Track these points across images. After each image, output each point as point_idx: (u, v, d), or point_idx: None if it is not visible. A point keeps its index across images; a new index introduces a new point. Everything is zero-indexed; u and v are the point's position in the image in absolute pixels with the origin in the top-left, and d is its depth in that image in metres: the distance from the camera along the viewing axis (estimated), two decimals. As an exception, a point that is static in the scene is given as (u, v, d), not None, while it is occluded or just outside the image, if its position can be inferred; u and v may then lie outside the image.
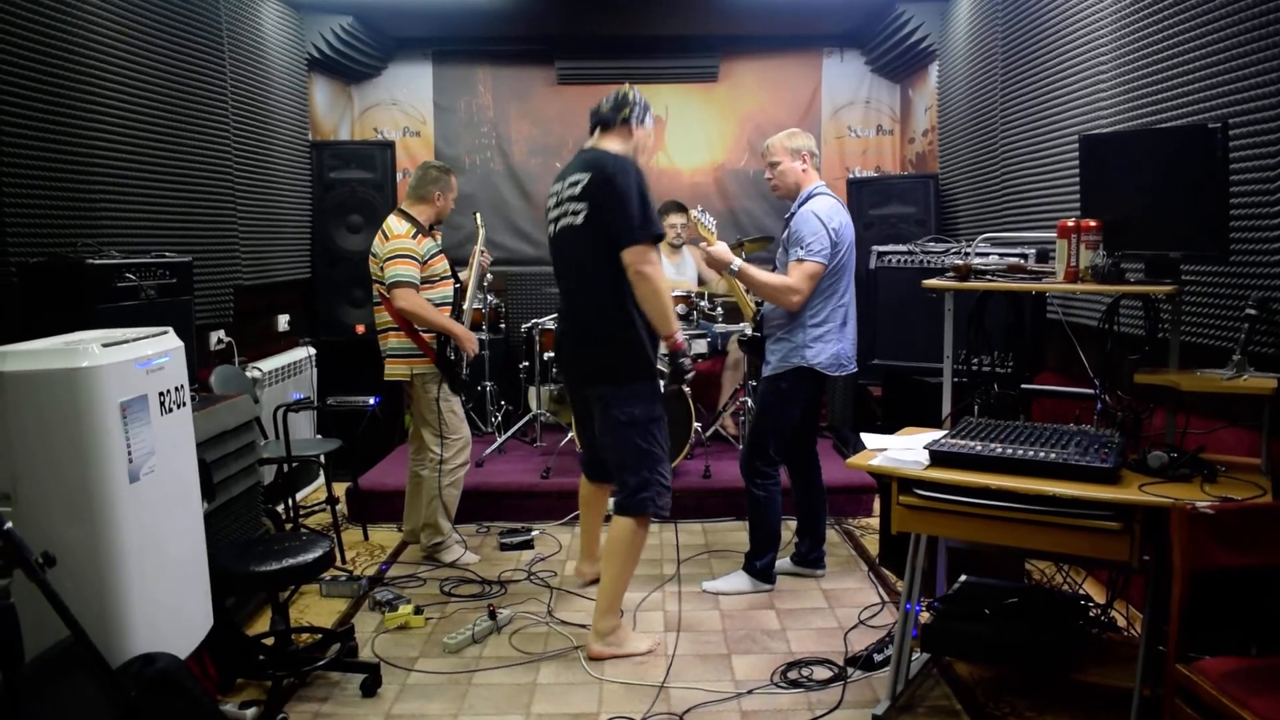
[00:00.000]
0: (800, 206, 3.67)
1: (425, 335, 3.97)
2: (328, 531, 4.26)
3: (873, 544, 4.31)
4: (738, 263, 3.67)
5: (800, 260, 3.55)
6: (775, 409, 3.73)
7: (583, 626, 3.45)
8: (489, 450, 5.29)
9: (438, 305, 3.99)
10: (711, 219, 3.84)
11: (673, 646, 3.33)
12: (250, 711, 2.84)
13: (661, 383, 3.30)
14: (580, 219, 3.13)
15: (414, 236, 3.97)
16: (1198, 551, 2.14)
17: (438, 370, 4.01)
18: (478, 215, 4.58)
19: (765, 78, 6.79)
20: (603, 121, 3.28)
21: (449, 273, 4.12)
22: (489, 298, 5.80)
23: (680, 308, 5.19)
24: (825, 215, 3.58)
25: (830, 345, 3.64)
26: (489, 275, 4.77)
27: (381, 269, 3.94)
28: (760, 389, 3.86)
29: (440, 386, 4.03)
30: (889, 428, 3.13)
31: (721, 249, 3.69)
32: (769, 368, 3.76)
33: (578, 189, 3.14)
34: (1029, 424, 2.83)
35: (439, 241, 4.17)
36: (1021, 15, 4.49)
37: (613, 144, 3.24)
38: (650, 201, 3.11)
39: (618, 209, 3.04)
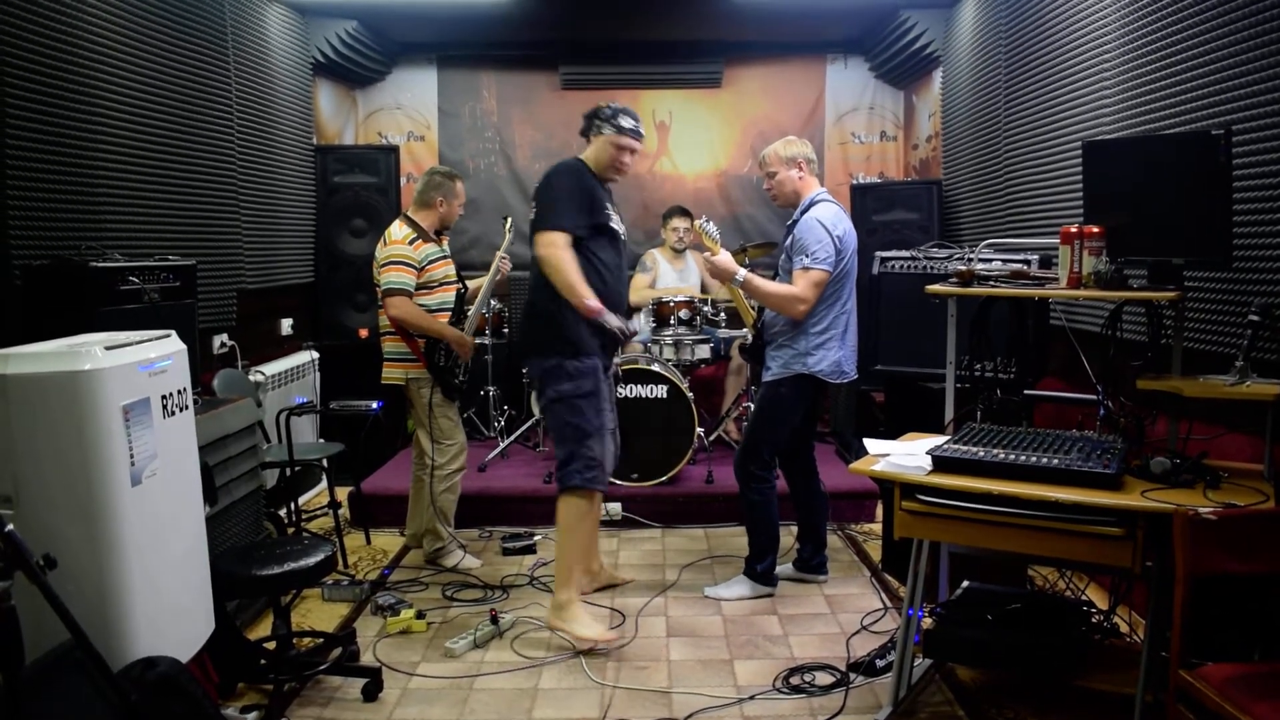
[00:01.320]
0: (803, 214, 3.65)
1: (419, 340, 3.98)
2: (330, 536, 4.26)
3: (875, 549, 4.30)
4: (743, 273, 3.66)
5: (806, 269, 3.55)
6: (773, 414, 3.73)
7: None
8: (491, 455, 5.30)
9: (435, 311, 4.00)
10: (716, 229, 3.82)
11: (674, 652, 3.32)
12: (251, 716, 2.84)
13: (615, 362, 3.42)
14: (533, 214, 3.47)
15: (411, 243, 3.97)
16: (1200, 558, 2.14)
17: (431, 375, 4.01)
18: (508, 220, 4.50)
19: (769, 83, 6.79)
20: (583, 134, 3.59)
21: (452, 278, 4.12)
22: (493, 303, 5.80)
23: (684, 313, 5.20)
24: (829, 222, 3.58)
25: (832, 352, 3.64)
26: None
27: (377, 274, 3.95)
28: (759, 394, 3.85)
29: (434, 391, 4.03)
30: (891, 433, 3.12)
31: (726, 259, 3.68)
32: (769, 374, 3.75)
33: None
34: (1032, 430, 2.82)
35: (445, 247, 4.17)
36: (1025, 21, 4.49)
37: (586, 152, 3.56)
38: (576, 201, 3.37)
39: (541, 199, 3.40)
